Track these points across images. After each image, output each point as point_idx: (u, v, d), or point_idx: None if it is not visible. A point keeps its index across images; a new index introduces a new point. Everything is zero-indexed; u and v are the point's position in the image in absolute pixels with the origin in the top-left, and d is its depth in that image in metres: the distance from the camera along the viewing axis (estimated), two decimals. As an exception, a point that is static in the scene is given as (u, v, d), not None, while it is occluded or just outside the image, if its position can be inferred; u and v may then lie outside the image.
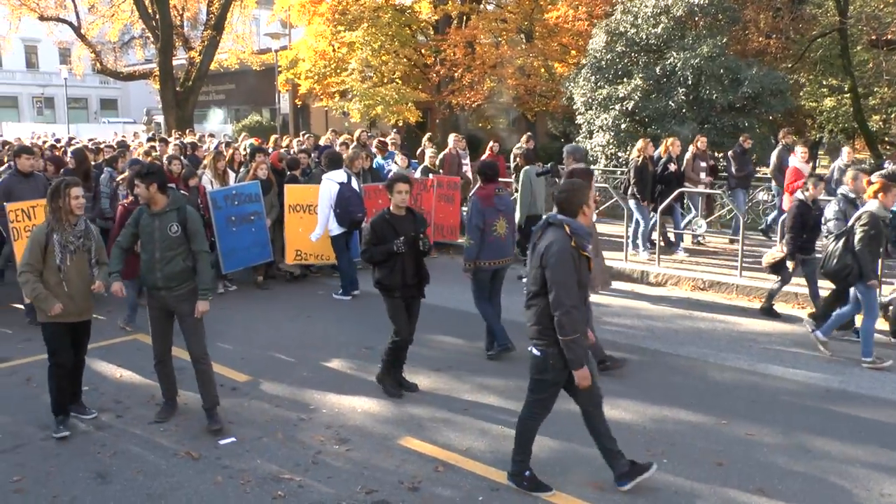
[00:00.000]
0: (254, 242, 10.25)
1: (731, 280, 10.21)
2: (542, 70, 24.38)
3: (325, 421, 5.98)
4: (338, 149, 12.57)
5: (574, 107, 17.99)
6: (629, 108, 16.14)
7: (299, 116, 32.77)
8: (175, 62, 27.38)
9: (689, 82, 15.73)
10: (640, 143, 11.94)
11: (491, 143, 14.46)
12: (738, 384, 6.82)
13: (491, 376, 6.99)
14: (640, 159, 11.67)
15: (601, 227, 10.75)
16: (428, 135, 16.07)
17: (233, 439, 5.62)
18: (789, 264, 8.47)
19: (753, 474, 5.07)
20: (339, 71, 23.42)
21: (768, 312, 9.01)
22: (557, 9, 21.88)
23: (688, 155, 12.30)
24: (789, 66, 21.28)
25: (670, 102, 15.88)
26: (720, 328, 8.61)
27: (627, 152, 16.08)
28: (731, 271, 10.57)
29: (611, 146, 16.58)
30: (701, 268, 11.10)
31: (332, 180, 9.67)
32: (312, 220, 10.13)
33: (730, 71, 15.80)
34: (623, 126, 16.30)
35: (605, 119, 16.48)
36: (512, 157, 14.37)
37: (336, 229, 9.74)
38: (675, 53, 15.90)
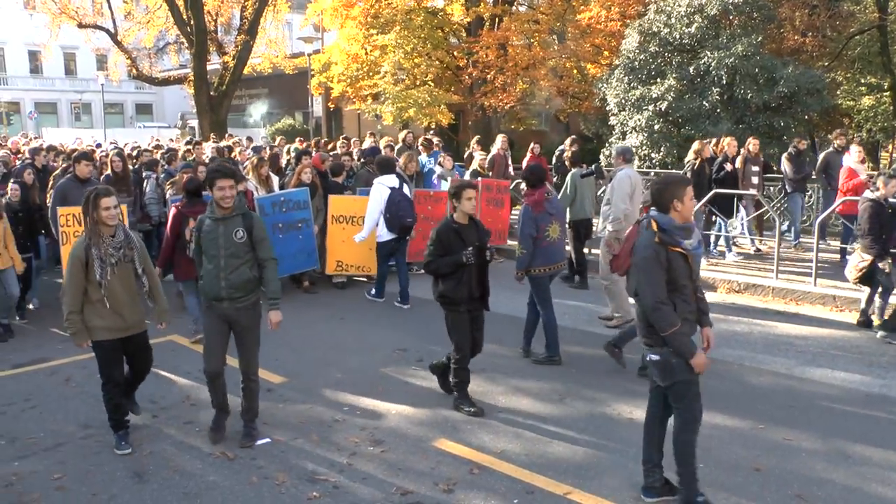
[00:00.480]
0: (300, 250, 10.20)
1: (767, 283, 10.07)
2: (575, 71, 24.27)
3: (360, 422, 6.01)
4: (383, 151, 12.52)
5: (607, 108, 17.87)
6: (662, 109, 15.99)
7: (332, 120, 32.98)
8: (209, 67, 27.67)
9: (724, 82, 15.55)
10: (696, 146, 11.62)
11: (532, 145, 14.38)
12: (775, 388, 6.72)
13: (526, 379, 6.97)
14: (698, 162, 11.37)
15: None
16: (477, 137, 16.02)
17: (268, 440, 5.66)
18: (883, 266, 7.97)
19: (792, 480, 4.98)
20: (371, 74, 23.51)
21: (887, 328, 8.13)
22: (590, 9, 21.74)
23: (739, 158, 11.89)
24: (826, 64, 20.93)
25: (704, 102, 15.71)
26: (756, 331, 8.49)
27: (661, 153, 15.97)
28: (767, 274, 10.42)
29: (644, 147, 16.43)
30: (736, 270, 10.96)
31: (384, 185, 9.53)
32: (355, 232, 10.00)
33: (765, 70, 15.58)
34: (656, 127, 16.14)
35: (639, 120, 16.35)
36: (555, 157, 14.32)
37: (385, 235, 9.62)
38: (709, 53, 15.73)
